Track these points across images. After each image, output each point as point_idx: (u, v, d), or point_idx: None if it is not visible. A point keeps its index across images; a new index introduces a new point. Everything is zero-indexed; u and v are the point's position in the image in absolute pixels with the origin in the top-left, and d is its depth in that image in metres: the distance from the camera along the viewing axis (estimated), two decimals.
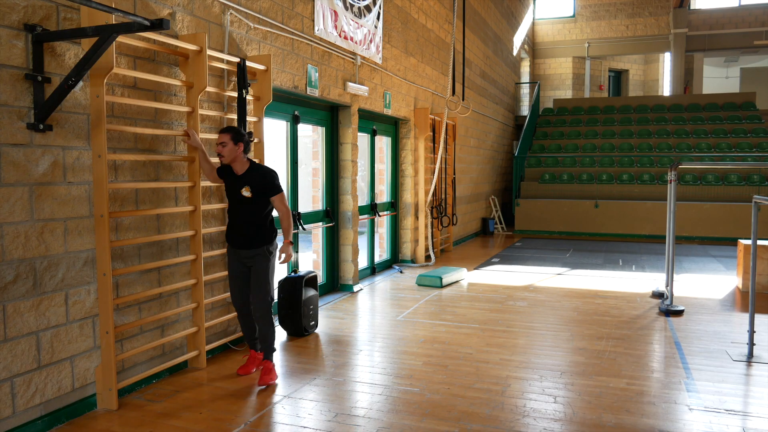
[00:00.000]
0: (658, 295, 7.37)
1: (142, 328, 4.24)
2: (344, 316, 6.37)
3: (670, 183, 6.87)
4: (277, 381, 4.35)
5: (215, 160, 4.63)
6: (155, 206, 4.29)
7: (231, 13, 4.99)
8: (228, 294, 5.03)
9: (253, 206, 4.26)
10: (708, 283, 8.29)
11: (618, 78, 23.62)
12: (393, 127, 9.54)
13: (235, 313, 5.07)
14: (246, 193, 4.23)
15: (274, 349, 4.44)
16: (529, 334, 5.66)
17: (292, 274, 5.66)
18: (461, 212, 12.52)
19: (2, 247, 3.23)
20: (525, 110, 20.16)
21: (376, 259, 9.13)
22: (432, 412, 3.82)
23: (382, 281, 8.34)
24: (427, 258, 9.98)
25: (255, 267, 4.33)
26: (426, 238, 9.97)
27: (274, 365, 4.39)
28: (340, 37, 6.92)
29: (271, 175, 4.32)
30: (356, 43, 7.32)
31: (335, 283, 7.60)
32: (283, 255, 4.31)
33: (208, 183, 4.76)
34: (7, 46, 3.21)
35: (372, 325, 6.10)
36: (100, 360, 3.82)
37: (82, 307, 3.71)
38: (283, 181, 6.75)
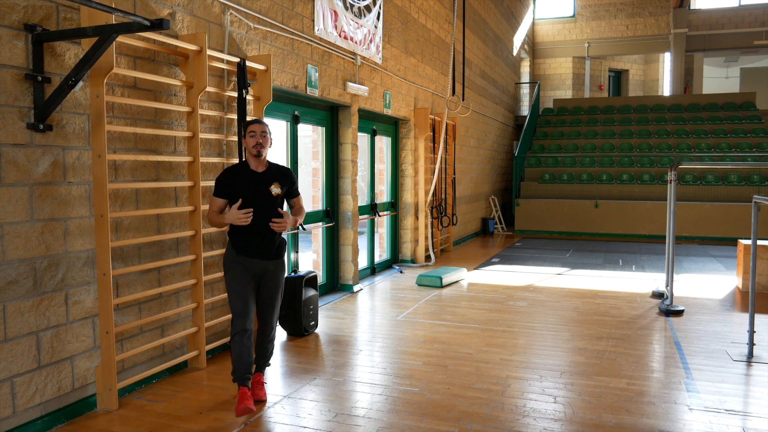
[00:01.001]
0: (658, 295, 7.37)
1: (142, 328, 4.24)
2: (344, 316, 6.37)
3: (670, 183, 6.87)
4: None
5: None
6: (155, 206, 4.28)
7: (231, 13, 5.00)
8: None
9: (276, 207, 3.86)
10: (708, 283, 8.29)
11: (618, 78, 23.62)
12: (393, 127, 9.54)
13: None
14: (276, 189, 3.85)
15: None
16: (529, 334, 5.66)
17: (292, 274, 5.66)
18: (461, 212, 12.52)
19: (2, 247, 3.23)
20: (525, 110, 20.17)
21: (376, 259, 9.13)
22: (432, 412, 3.82)
23: (382, 281, 8.34)
24: (427, 258, 9.98)
25: (273, 281, 3.92)
26: (426, 238, 9.97)
27: None
28: (340, 37, 6.93)
29: (293, 173, 4.08)
30: (356, 43, 7.32)
31: (335, 283, 7.60)
32: (286, 220, 3.83)
33: (208, 183, 4.76)
34: (7, 46, 3.21)
35: (372, 325, 6.10)
36: (100, 360, 3.82)
37: (82, 307, 3.71)
38: None
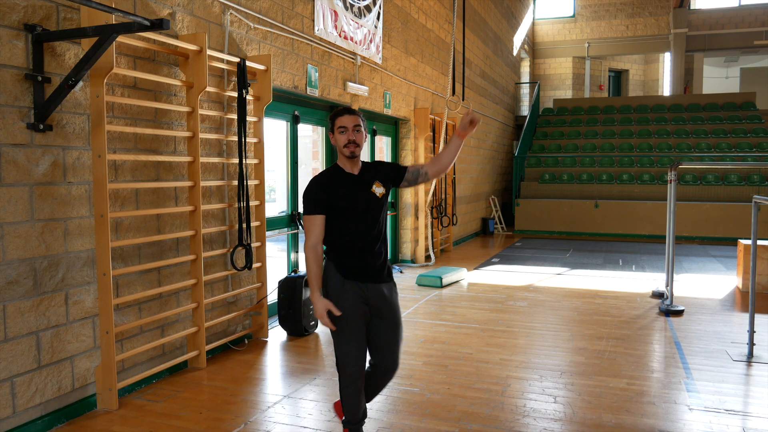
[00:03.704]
0: (658, 295, 7.37)
1: (142, 328, 4.24)
2: None
3: (670, 183, 6.87)
4: None
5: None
6: (155, 206, 4.28)
7: (231, 13, 4.99)
8: (230, 293, 5.03)
9: (381, 211, 3.09)
10: (708, 283, 8.29)
11: (618, 78, 23.62)
12: (393, 127, 9.54)
13: (235, 313, 5.08)
14: (379, 189, 3.05)
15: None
16: (529, 334, 5.66)
17: (292, 274, 5.66)
18: (461, 212, 12.52)
19: (2, 247, 3.23)
20: (525, 110, 20.17)
21: None
22: (432, 412, 3.82)
23: None
24: (427, 258, 9.98)
25: (392, 309, 3.14)
26: (426, 238, 9.97)
27: None
28: (340, 37, 6.92)
29: (385, 161, 3.33)
30: (356, 43, 7.32)
31: None
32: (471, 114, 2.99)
33: (208, 183, 4.76)
34: (7, 46, 3.21)
35: None
36: (100, 360, 3.82)
37: (82, 307, 3.71)
38: (283, 181, 6.75)
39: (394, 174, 3.16)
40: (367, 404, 3.29)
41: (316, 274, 3.00)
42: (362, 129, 3.04)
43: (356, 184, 3.04)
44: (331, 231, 3.05)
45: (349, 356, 3.04)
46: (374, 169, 3.14)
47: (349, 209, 3.00)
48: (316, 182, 3.06)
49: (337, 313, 2.95)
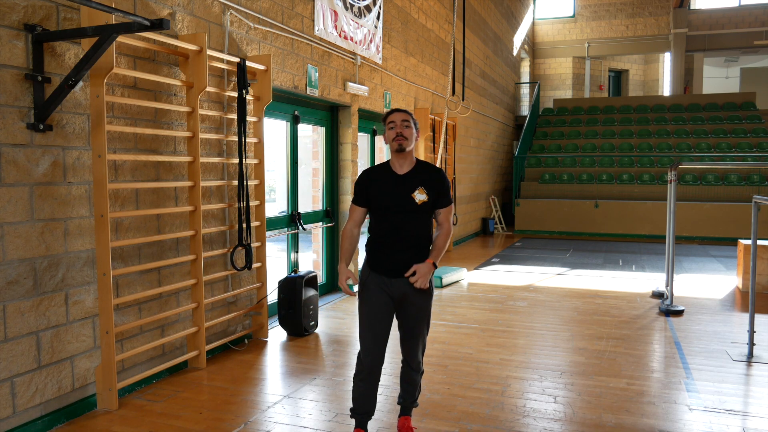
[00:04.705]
0: (658, 295, 7.37)
1: (142, 328, 4.24)
2: (344, 316, 6.37)
3: (670, 183, 6.87)
4: None
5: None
6: (155, 206, 4.28)
7: (231, 13, 4.99)
8: (230, 293, 5.03)
9: (422, 217, 3.13)
10: (708, 283, 8.29)
11: (618, 78, 23.62)
12: None
13: (235, 313, 5.08)
14: (420, 196, 3.09)
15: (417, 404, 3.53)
16: (529, 334, 5.66)
17: (292, 274, 5.66)
18: (461, 212, 12.52)
19: (2, 247, 3.23)
20: (525, 110, 20.17)
21: None
22: (432, 412, 3.82)
23: None
24: None
25: (414, 307, 3.16)
26: None
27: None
28: (340, 37, 6.93)
29: (446, 177, 3.22)
30: (356, 43, 7.32)
31: (335, 283, 7.60)
32: (420, 273, 3.04)
33: (208, 183, 4.76)
34: (7, 46, 3.21)
35: None
36: (100, 360, 3.82)
37: (82, 307, 3.71)
38: (283, 181, 6.75)
39: (438, 196, 3.16)
40: (402, 405, 3.45)
41: (345, 248, 3.31)
42: (411, 125, 3.15)
43: (398, 184, 3.13)
44: (370, 223, 3.26)
45: (363, 345, 3.17)
46: (427, 174, 3.17)
47: (384, 207, 3.14)
48: (362, 176, 3.25)
49: (354, 283, 3.27)
